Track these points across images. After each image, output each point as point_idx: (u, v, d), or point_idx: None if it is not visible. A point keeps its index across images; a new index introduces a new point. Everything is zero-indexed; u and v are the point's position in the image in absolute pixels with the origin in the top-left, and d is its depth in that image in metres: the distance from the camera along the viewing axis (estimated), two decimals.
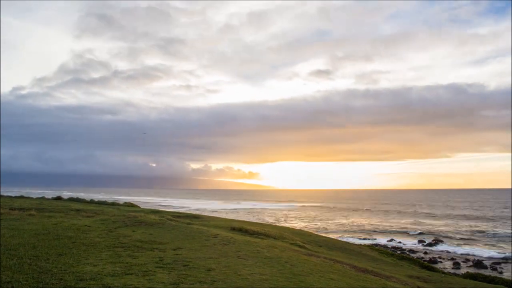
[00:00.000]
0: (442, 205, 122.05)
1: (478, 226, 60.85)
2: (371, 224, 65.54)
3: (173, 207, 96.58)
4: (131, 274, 8.25)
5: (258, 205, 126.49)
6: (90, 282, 7.44)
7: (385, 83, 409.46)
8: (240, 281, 8.00)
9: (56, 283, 7.32)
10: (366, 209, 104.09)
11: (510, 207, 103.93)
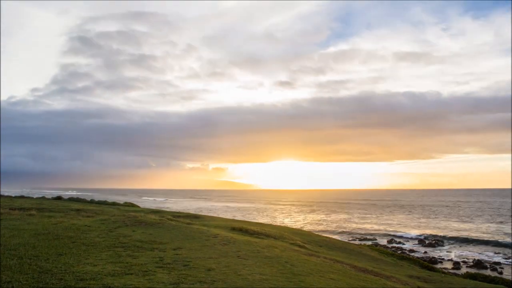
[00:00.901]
0: (437, 205, 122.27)
1: (478, 226, 60.86)
2: (370, 224, 65.57)
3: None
4: (131, 274, 8.26)
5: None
6: (90, 282, 7.44)
7: (345, 91, 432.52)
8: (240, 281, 8.00)
9: (56, 283, 7.33)
10: (362, 209, 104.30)
11: (509, 207, 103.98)
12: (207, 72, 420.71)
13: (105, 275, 8.00)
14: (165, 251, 11.27)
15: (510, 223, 63.43)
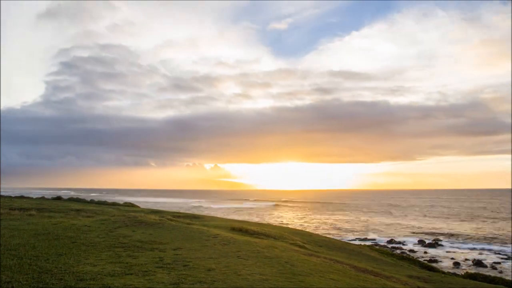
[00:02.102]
0: (436, 205, 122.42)
1: (478, 226, 60.88)
2: (369, 224, 65.58)
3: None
4: (131, 274, 8.26)
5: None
6: (90, 282, 7.44)
7: (306, 100, 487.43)
8: (240, 281, 8.00)
9: (56, 283, 7.33)
10: (357, 209, 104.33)
11: (509, 207, 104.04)
12: (173, 85, 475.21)
13: (105, 275, 8.00)
14: (165, 251, 11.27)
15: (510, 223, 63.45)
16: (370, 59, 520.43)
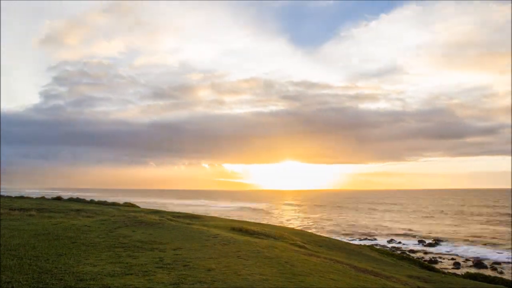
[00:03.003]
0: (430, 204, 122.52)
1: (478, 226, 60.87)
2: (369, 224, 65.59)
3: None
4: (131, 274, 8.26)
5: None
6: (90, 282, 7.44)
7: (278, 107, 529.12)
8: (240, 281, 8.00)
9: (56, 283, 7.33)
10: (355, 209, 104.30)
11: (509, 207, 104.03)
12: (155, 94, 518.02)
13: (105, 276, 8.00)
14: (165, 251, 11.27)
15: (510, 224, 63.45)
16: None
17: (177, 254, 10.86)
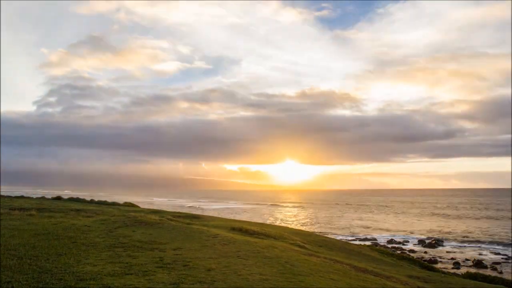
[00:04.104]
0: (428, 205, 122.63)
1: (477, 226, 60.88)
2: (368, 224, 65.58)
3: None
4: (131, 274, 8.25)
5: None
6: (90, 282, 7.44)
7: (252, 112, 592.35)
8: (240, 281, 8.00)
9: (56, 283, 7.33)
10: (353, 208, 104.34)
11: (509, 207, 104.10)
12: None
13: (105, 275, 7.99)
14: (165, 251, 11.27)
15: (510, 223, 63.46)
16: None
17: (177, 254, 10.86)
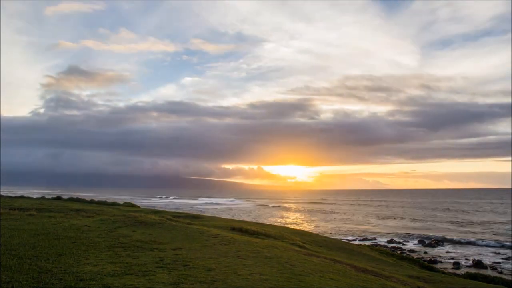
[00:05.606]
0: (431, 204, 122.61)
1: (477, 226, 60.88)
2: (368, 224, 65.56)
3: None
4: (131, 274, 8.25)
5: None
6: (90, 282, 7.44)
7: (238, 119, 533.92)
8: (240, 281, 8.00)
9: (56, 283, 7.32)
10: (353, 208, 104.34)
11: (509, 207, 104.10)
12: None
13: (105, 275, 7.99)
14: (165, 251, 11.26)
15: (510, 223, 63.45)
16: None
17: (177, 254, 10.86)
